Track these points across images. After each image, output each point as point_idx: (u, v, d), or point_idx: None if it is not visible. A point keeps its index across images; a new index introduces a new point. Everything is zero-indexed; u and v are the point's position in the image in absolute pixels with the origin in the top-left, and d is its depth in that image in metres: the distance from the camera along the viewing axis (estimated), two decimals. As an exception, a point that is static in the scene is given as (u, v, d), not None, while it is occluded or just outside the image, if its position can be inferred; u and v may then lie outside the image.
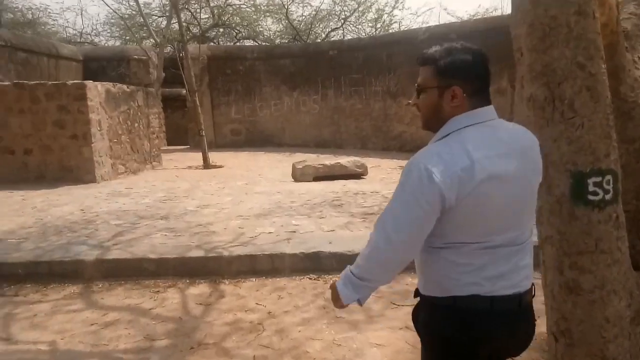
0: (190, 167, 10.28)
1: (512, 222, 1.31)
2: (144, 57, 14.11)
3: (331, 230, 4.55)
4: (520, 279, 1.34)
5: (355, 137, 13.38)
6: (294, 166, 8.12)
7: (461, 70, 1.30)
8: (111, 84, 8.49)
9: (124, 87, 8.87)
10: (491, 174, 1.23)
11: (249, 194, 6.64)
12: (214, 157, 11.48)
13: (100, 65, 14.16)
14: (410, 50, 12.08)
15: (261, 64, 14.22)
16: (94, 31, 21.05)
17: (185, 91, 12.66)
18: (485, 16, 13.73)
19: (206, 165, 10.10)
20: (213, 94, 14.20)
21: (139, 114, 9.41)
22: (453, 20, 17.19)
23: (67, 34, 21.16)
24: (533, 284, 1.41)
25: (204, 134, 10.31)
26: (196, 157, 10.66)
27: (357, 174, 8.18)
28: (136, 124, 9.20)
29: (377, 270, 1.34)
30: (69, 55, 13.68)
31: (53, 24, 21.15)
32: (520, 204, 1.32)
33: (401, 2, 19.26)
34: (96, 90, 7.88)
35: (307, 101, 13.94)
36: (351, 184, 7.43)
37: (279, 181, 8.01)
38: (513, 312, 1.34)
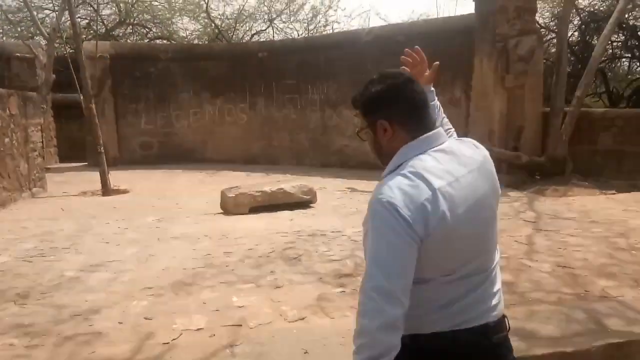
0: (84, 194, 8.04)
1: (479, 249, 1.24)
2: (29, 56, 11.52)
3: (300, 319, 2.83)
4: (487, 308, 1.22)
5: (290, 152, 11.72)
6: (223, 194, 6.30)
7: (379, 101, 1.26)
8: (-35, 85, 6.17)
9: (-14, 89, 6.56)
10: (454, 202, 1.16)
11: (162, 240, 4.73)
12: (119, 177, 9.27)
13: (-29, 64, 11.33)
14: (352, 54, 10.62)
15: (177, 66, 12.13)
16: (-27, 26, 17.41)
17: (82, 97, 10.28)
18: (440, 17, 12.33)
19: (106, 190, 7.92)
20: (118, 100, 11.86)
21: (12, 125, 7.08)
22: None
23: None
24: (505, 317, 1.27)
25: (102, 149, 8.12)
26: (95, 178, 8.41)
27: (304, 202, 6.52)
28: (6, 140, 6.87)
29: (383, 337, 1.10)
30: None
31: None
32: (485, 228, 1.25)
33: (337, 2, 17.41)
34: (-62, 92, 5.56)
35: (233, 110, 12.06)
36: (300, 218, 5.76)
37: (205, 214, 6.14)
38: (478, 348, 1.20)
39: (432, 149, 1.22)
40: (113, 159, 11.66)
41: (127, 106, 11.96)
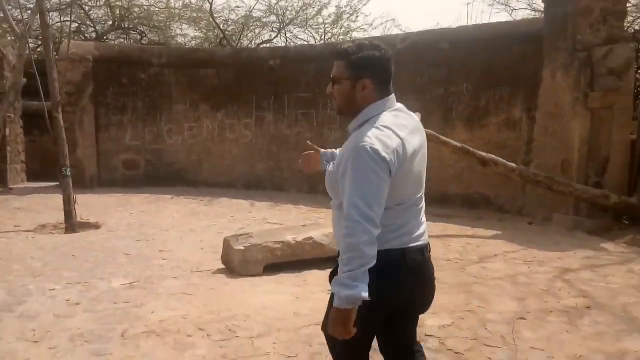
0: (42, 228, 6.13)
1: (420, 185, 1.66)
2: (-5, 54, 9.69)
3: None
4: (423, 232, 1.66)
5: (301, 177, 9.84)
6: (227, 244, 4.40)
7: (370, 65, 1.59)
8: None
9: None
10: (412, 148, 1.57)
11: (128, 339, 2.80)
12: (93, 204, 7.41)
13: None
14: (382, 63, 8.94)
15: (172, 73, 10.33)
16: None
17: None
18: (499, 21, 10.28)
19: (70, 224, 6.00)
20: (100, 110, 9.99)
21: (-59, 136, 5.21)
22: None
23: None
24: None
25: (68, 172, 6.23)
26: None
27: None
28: None
29: (367, 250, 1.44)
30: None
31: None
32: (423, 169, 1.68)
33: (361, 7, 14.84)
34: None
35: (235, 126, 10.22)
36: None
37: (199, 271, 4.27)
38: (420, 262, 1.63)
39: (390, 109, 1.62)
40: (90, 179, 9.79)
41: (110, 117, 10.09)
